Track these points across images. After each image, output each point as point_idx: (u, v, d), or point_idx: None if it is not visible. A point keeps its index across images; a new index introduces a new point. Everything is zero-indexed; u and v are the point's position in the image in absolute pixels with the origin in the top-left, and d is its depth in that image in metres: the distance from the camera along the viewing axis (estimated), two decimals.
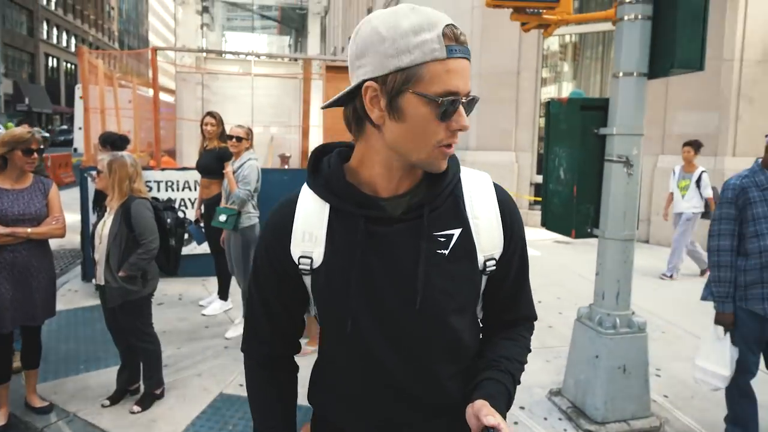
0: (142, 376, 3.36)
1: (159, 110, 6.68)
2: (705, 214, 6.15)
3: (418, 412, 1.02)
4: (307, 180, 1.03)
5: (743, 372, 2.74)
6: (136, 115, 8.55)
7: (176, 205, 5.80)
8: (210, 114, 4.95)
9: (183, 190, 5.97)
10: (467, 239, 0.99)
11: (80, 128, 20.31)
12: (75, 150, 21.01)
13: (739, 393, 2.79)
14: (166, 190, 5.91)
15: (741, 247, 2.71)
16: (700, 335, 2.90)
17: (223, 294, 5.05)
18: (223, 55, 12.56)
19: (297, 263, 0.99)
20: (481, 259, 1.00)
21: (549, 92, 10.03)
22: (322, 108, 1.04)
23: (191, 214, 5.54)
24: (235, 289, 4.86)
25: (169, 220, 3.30)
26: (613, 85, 3.03)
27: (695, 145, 6.27)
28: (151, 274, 3.22)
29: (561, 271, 6.04)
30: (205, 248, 5.11)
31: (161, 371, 3.36)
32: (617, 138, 2.99)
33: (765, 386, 2.86)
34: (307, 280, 1.01)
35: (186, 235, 4.05)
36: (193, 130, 7.57)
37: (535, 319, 1.17)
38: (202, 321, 4.79)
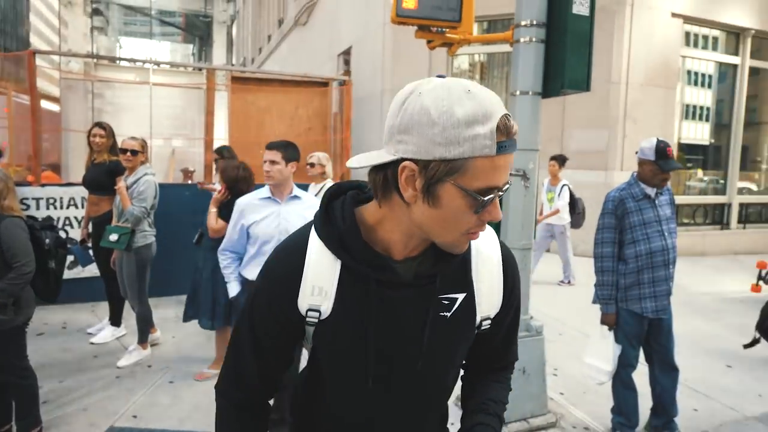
0: (15, 417, 3.00)
1: (40, 120, 6.14)
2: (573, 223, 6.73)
3: None
4: (317, 229, 1.00)
5: (625, 366, 3.04)
6: (11, 125, 7.82)
7: (59, 224, 5.33)
8: (99, 125, 4.61)
9: (68, 207, 5.49)
10: (469, 303, 1.03)
11: None
12: None
13: (622, 385, 3.09)
14: (48, 208, 5.38)
15: (621, 253, 3.01)
16: (592, 335, 3.17)
17: (116, 320, 4.70)
18: (118, 61, 11.90)
19: (304, 315, 0.99)
20: (477, 320, 1.05)
21: None
22: (349, 166, 0.98)
23: (77, 234, 5.10)
24: (129, 313, 4.55)
25: (48, 240, 3.01)
26: (511, 103, 3.24)
27: (560, 160, 6.84)
28: (26, 301, 2.89)
29: None
30: (93, 271, 4.76)
31: (38, 409, 3.03)
32: (515, 153, 3.18)
33: (644, 378, 3.15)
34: (311, 329, 1.02)
35: (71, 257, 3.75)
36: (81, 142, 7.07)
37: (516, 360, 1.25)
38: (90, 350, 4.41)
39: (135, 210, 3.96)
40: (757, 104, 10.62)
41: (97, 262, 4.61)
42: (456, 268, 1.01)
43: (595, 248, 3.06)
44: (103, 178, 4.44)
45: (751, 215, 10.25)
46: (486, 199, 0.84)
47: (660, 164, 2.88)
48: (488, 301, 1.04)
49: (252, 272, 2.87)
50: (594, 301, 3.11)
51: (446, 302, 1.00)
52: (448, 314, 1.00)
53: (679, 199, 9.29)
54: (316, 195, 4.36)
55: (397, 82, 9.53)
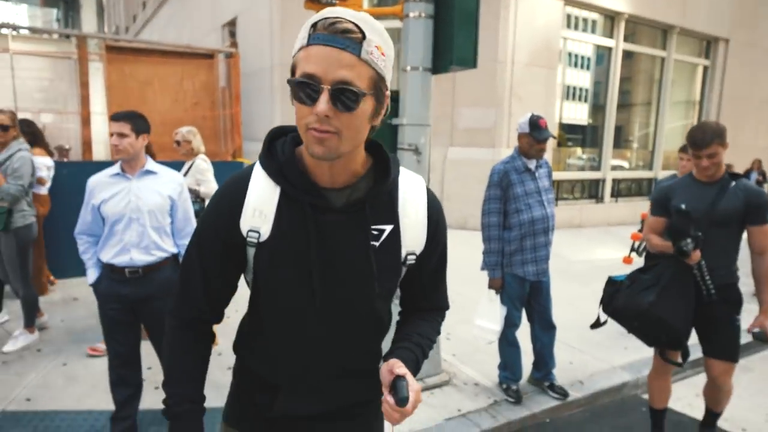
0: None
1: None
2: None
3: (333, 372, 1.21)
4: (260, 160, 1.13)
5: (510, 325, 3.35)
6: None
7: None
8: None
9: None
10: (395, 235, 1.16)
11: None
12: None
13: (507, 343, 3.42)
14: None
15: (506, 222, 3.29)
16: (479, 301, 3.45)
17: None
18: None
19: (245, 236, 1.11)
20: (403, 253, 1.17)
21: None
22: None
23: None
24: (11, 298, 4.33)
25: None
26: (402, 79, 3.38)
27: None
28: None
29: None
30: None
31: None
32: (407, 128, 3.35)
33: (525, 337, 3.50)
34: (251, 251, 1.13)
35: None
36: None
37: (448, 308, 1.37)
38: None
39: (11, 188, 3.72)
40: (629, 86, 11.76)
41: None
42: (384, 202, 1.14)
43: (482, 218, 3.32)
44: None
45: (623, 190, 11.45)
46: (293, 81, 0.98)
47: (534, 135, 3.18)
48: (412, 236, 1.17)
49: (106, 254, 2.63)
50: (482, 268, 3.38)
51: (375, 233, 1.13)
52: (377, 243, 1.13)
53: (559, 175, 10.13)
54: (185, 175, 4.21)
55: (287, 55, 9.33)
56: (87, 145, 6.36)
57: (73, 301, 5.05)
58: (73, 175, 5.31)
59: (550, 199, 3.34)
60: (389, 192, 1.15)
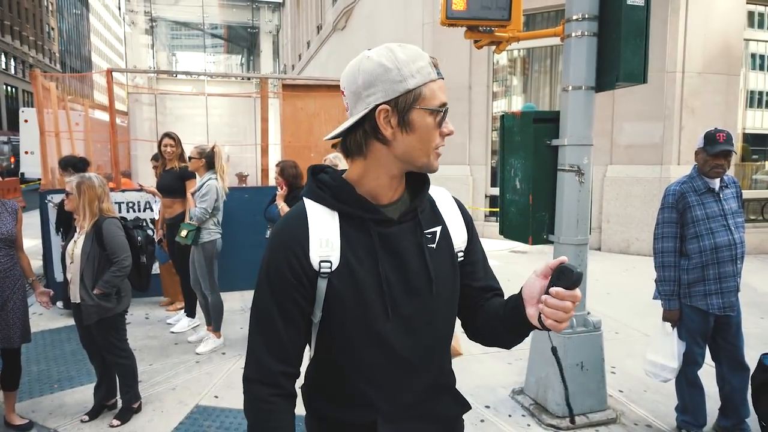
0: (119, 392, 3.46)
1: (116, 132, 6.65)
2: None
3: (425, 387, 1.17)
4: (309, 194, 1.15)
5: (690, 364, 2.96)
6: (89, 138, 8.38)
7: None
8: (168, 135, 5.06)
9: (143, 210, 6.04)
10: (446, 234, 1.20)
11: (27, 153, 19.60)
12: (22, 175, 20.21)
13: (687, 383, 3.01)
14: (127, 211, 5.97)
15: (683, 248, 2.93)
16: (650, 334, 3.09)
17: (191, 311, 5.16)
18: (175, 75, 12.44)
19: (318, 268, 1.08)
20: (455, 249, 1.22)
21: (500, 106, 10.37)
22: (328, 139, 1.18)
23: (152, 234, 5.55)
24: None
25: (139, 238, 3.44)
26: (563, 98, 3.23)
27: None
28: (125, 291, 3.34)
29: (518, 279, 6.24)
30: (155, 269, 5.24)
31: (137, 386, 3.47)
32: (568, 148, 3.18)
33: (710, 378, 3.07)
34: (322, 284, 1.09)
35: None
36: (147, 151, 7.48)
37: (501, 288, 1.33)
38: (171, 338, 4.90)
39: (196, 211, 4.36)
40: None
41: (173, 259, 5.10)
42: (427, 209, 1.19)
43: (655, 243, 3.00)
44: (174, 183, 4.90)
45: None
46: (443, 110, 1.07)
47: (707, 149, 2.81)
48: (456, 233, 1.22)
49: None
50: (655, 297, 3.05)
51: (429, 235, 1.16)
52: (434, 245, 1.16)
53: (746, 194, 8.80)
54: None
55: None
56: (264, 172, 7.04)
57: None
58: (252, 199, 6.14)
59: (738, 223, 2.91)
60: (429, 198, 1.22)
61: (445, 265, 1.17)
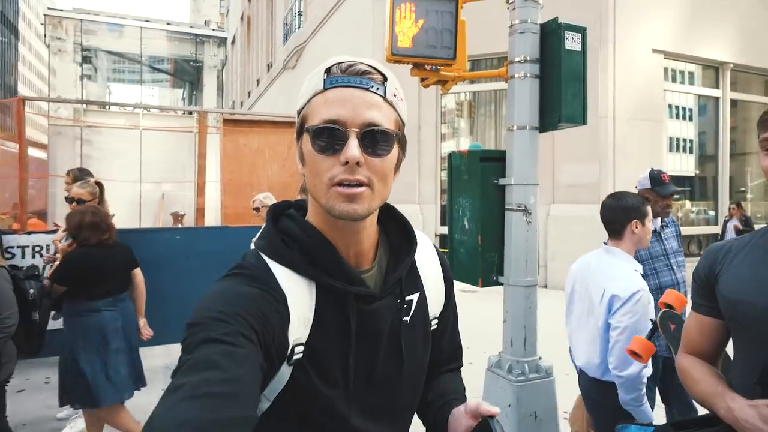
0: None
1: (27, 167, 6.09)
2: None
3: None
4: (271, 253, 0.87)
5: None
6: None
7: (45, 273, 5.21)
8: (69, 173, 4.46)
9: (55, 253, 5.36)
10: (422, 303, 1.00)
11: None
12: None
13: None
14: (33, 256, 5.12)
15: None
16: None
17: None
18: (107, 107, 11.95)
19: (290, 351, 0.82)
20: (430, 318, 1.02)
21: (448, 146, 10.62)
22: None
23: None
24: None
25: (32, 291, 2.90)
26: (508, 138, 3.24)
27: None
28: (6, 356, 2.74)
29: (468, 321, 6.24)
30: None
31: None
32: (515, 188, 3.17)
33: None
34: (287, 371, 0.83)
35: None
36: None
37: (462, 365, 1.20)
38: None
39: None
40: (738, 135, 10.85)
41: None
42: (408, 270, 0.97)
43: None
44: None
45: None
46: (317, 129, 0.82)
47: (657, 190, 2.88)
48: (434, 298, 1.03)
49: None
50: None
51: (405, 306, 0.96)
52: (408, 318, 0.96)
53: None
54: None
55: None
56: (200, 211, 6.74)
57: None
58: (184, 240, 5.62)
59: (679, 263, 2.97)
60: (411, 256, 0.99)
61: (417, 344, 0.98)
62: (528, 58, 3.11)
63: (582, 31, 3.00)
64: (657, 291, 2.85)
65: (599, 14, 8.04)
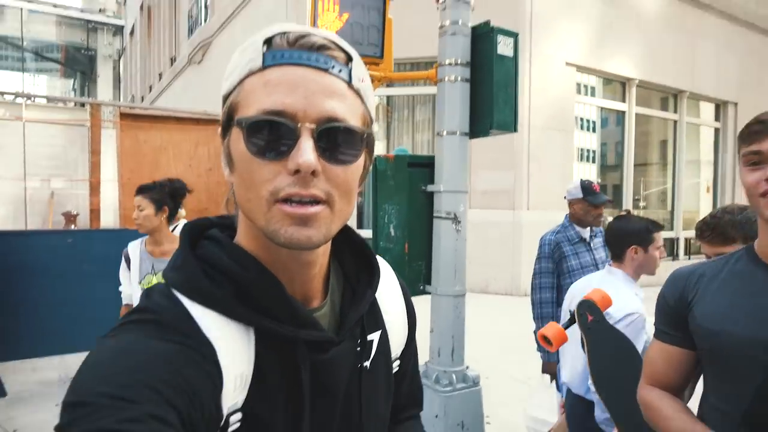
0: None
1: None
2: None
3: None
4: (194, 294, 0.64)
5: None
6: None
7: None
8: None
9: None
10: (384, 343, 0.81)
11: None
12: None
13: None
14: None
15: (559, 297, 2.95)
16: (518, 376, 3.06)
17: None
18: None
19: (226, 422, 0.62)
20: (392, 360, 0.84)
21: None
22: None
23: None
24: None
25: None
26: (437, 143, 3.16)
27: None
28: None
29: None
30: None
31: None
32: (444, 195, 3.09)
33: None
34: None
35: None
36: None
37: (422, 409, 1.01)
38: None
39: None
40: (643, 148, 11.68)
41: None
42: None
43: (533, 294, 3.01)
44: None
45: None
46: (254, 122, 0.60)
47: (588, 199, 2.92)
48: (397, 337, 0.86)
49: None
50: (538, 349, 3.01)
51: (365, 348, 0.77)
52: (368, 363, 0.77)
53: None
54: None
55: None
56: (95, 212, 6.14)
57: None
58: (76, 244, 5.17)
59: None
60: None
61: (378, 394, 0.80)
62: (459, 61, 3.04)
63: (514, 36, 2.98)
64: None
65: (515, 24, 8.30)
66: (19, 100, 8.44)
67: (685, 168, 11.81)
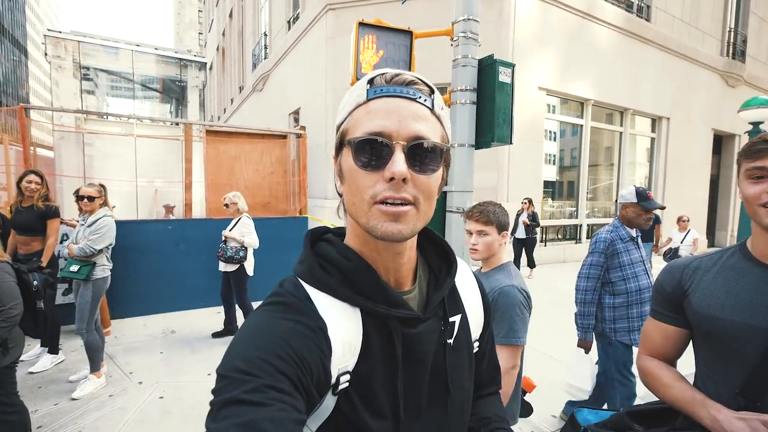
0: None
1: (31, 166, 5.29)
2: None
3: None
4: (311, 280, 0.63)
5: (630, 396, 2.54)
6: (8, 171, 6.66)
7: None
8: (34, 172, 3.66)
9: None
10: (464, 325, 0.75)
11: None
12: None
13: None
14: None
15: (610, 288, 2.62)
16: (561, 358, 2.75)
17: (54, 347, 3.72)
18: (105, 116, 10.66)
19: (335, 381, 0.60)
20: (472, 341, 0.77)
21: None
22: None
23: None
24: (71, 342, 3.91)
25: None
26: (451, 153, 2.98)
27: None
28: (13, 341, 2.24)
29: None
30: None
31: None
32: (455, 194, 2.93)
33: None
34: (331, 402, 0.61)
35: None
36: (74, 185, 6.14)
37: (501, 388, 0.90)
38: (30, 381, 3.29)
39: (84, 248, 3.23)
40: (596, 153, 11.30)
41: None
42: (449, 291, 0.74)
43: (579, 281, 2.65)
44: (35, 221, 3.54)
45: (593, 231, 10.83)
46: (359, 141, 0.58)
47: (642, 204, 2.56)
48: (475, 321, 0.79)
49: None
50: (578, 329, 2.67)
51: (448, 327, 0.72)
52: (451, 341, 0.71)
53: (547, 222, 9.62)
54: (231, 229, 4.21)
55: None
56: (188, 206, 6.09)
57: (171, 333, 4.61)
58: (176, 229, 5.28)
59: (649, 268, 2.66)
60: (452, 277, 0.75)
61: (463, 368, 0.73)
62: (468, 87, 2.86)
63: (512, 66, 2.78)
64: (638, 292, 2.57)
65: (501, 54, 7.99)
66: (131, 120, 8.42)
67: (626, 168, 11.42)
